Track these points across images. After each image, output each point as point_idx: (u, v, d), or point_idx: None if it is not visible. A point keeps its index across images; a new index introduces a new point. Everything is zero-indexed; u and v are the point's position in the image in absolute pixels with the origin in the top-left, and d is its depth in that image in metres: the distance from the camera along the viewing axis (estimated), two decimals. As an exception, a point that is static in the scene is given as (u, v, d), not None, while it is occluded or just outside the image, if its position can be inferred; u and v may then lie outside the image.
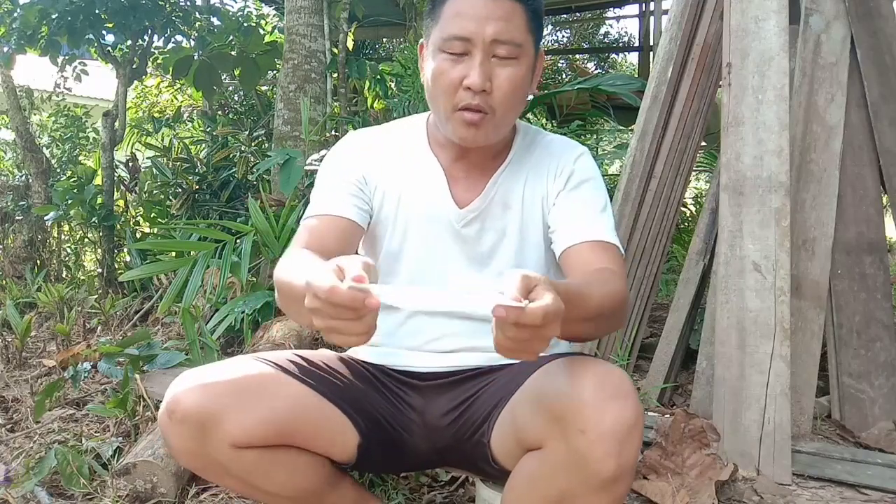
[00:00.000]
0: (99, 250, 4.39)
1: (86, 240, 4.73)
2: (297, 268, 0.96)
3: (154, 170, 4.64)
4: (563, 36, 11.88)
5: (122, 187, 4.67)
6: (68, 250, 4.96)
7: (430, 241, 1.19)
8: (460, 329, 1.19)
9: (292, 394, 1.04)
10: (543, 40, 1.14)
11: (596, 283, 1.00)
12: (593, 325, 0.97)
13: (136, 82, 5.58)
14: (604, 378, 0.90)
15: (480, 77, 1.03)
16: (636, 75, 8.42)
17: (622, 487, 0.91)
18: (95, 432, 2.05)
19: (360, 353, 1.24)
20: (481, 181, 1.19)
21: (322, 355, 1.19)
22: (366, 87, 4.47)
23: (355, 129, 3.97)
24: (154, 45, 4.62)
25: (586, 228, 1.14)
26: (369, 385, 1.18)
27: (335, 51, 4.29)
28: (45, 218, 4.53)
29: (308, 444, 1.05)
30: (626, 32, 12.50)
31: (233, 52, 4.60)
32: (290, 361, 1.10)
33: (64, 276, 4.68)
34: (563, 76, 8.70)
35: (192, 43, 4.66)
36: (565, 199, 1.18)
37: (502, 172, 1.19)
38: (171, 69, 4.54)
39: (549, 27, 10.58)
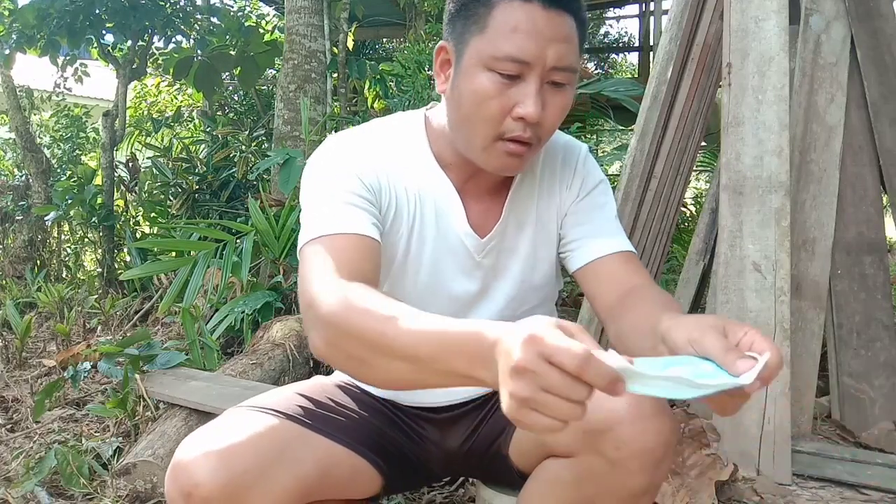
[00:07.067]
0: (99, 250, 4.40)
1: (86, 240, 4.74)
2: (386, 312, 0.77)
3: (154, 170, 4.65)
4: (563, 36, 11.86)
5: (122, 187, 4.68)
6: (68, 250, 4.97)
7: (441, 269, 1.07)
8: None
9: (313, 451, 0.96)
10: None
11: (674, 304, 0.96)
12: None
13: (135, 82, 5.59)
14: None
15: (537, 108, 0.90)
16: (636, 75, 8.43)
17: (648, 499, 0.92)
18: (95, 432, 2.05)
19: (367, 386, 1.13)
20: (497, 202, 1.08)
21: (323, 389, 1.10)
22: (366, 87, 4.48)
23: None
24: (154, 45, 4.63)
25: (609, 240, 1.08)
26: (385, 420, 1.12)
27: (335, 51, 4.29)
28: (45, 218, 4.54)
29: (332, 496, 1.00)
30: (626, 32, 12.52)
31: (232, 52, 4.61)
32: (298, 406, 1.00)
33: (64, 276, 4.68)
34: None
35: (192, 43, 4.67)
36: (580, 209, 1.11)
37: (516, 189, 1.09)
38: (171, 69, 4.55)
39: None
